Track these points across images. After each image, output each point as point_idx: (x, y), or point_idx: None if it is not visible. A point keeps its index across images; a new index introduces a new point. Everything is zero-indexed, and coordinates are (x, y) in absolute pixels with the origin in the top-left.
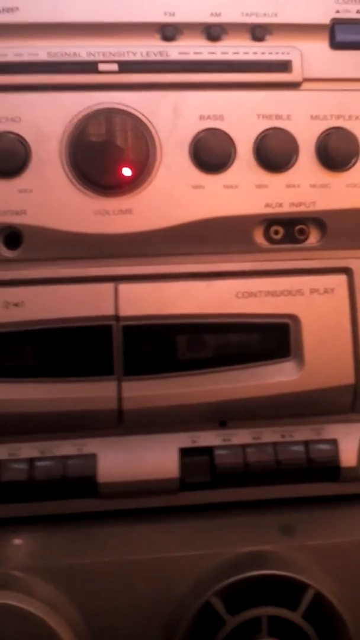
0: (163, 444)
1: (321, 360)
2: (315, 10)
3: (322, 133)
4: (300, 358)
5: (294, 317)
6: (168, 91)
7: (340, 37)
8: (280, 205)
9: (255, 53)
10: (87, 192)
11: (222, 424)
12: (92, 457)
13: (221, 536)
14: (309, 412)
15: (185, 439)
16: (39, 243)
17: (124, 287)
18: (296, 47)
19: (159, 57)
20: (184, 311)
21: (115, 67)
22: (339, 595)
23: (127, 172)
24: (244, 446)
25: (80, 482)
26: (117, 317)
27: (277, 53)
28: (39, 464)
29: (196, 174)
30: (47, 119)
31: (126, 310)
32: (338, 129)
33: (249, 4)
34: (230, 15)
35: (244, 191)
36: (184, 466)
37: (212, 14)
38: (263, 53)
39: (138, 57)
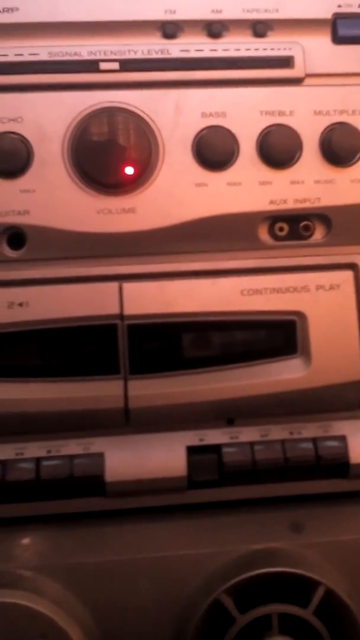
0: (170, 443)
1: (328, 357)
2: (317, 5)
3: (325, 128)
4: (307, 355)
5: (300, 314)
6: (170, 89)
7: (342, 31)
8: (285, 201)
9: (256, 49)
10: (90, 192)
11: (230, 422)
12: (99, 456)
13: (230, 534)
14: (316, 409)
15: (193, 437)
16: (43, 243)
17: (128, 286)
18: (298, 42)
19: (160, 55)
20: (188, 309)
21: (116, 65)
22: (350, 592)
23: (129, 170)
24: (251, 444)
25: (88, 481)
26: (122, 316)
27: (279, 49)
28: (45, 463)
29: (199, 172)
30: (48, 119)
31: (131, 309)
32: (342, 124)
33: (250, 0)
34: (231, 11)
35: (248, 188)
36: (191, 464)
37: (212, 11)
38: (265, 49)
39: (139, 56)
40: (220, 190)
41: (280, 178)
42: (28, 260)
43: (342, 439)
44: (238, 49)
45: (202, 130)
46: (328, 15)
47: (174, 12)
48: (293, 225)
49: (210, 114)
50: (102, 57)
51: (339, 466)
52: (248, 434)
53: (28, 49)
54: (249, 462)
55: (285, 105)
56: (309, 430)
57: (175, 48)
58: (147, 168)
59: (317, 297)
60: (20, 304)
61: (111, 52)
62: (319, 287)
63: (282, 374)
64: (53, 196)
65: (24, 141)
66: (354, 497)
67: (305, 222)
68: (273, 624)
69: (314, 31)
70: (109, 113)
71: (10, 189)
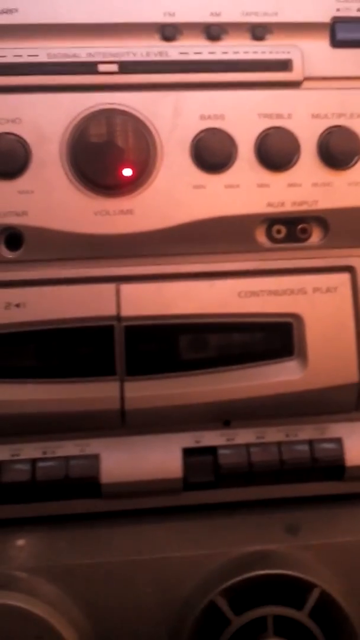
0: (166, 444)
1: (325, 359)
2: (316, 9)
3: (323, 132)
4: (303, 357)
5: (297, 316)
6: (168, 91)
7: (341, 35)
8: (282, 204)
9: (255, 52)
10: (88, 193)
11: (226, 424)
12: (95, 457)
13: (225, 536)
14: (313, 411)
15: (189, 439)
16: (40, 244)
17: (125, 288)
18: (297, 45)
19: (159, 58)
20: (186, 311)
21: (115, 67)
22: (345, 595)
23: (127, 172)
24: (247, 446)
25: (83, 483)
26: (119, 318)
27: (277, 52)
28: (41, 464)
29: (197, 174)
30: (47, 120)
31: (128, 310)
32: (339, 127)
33: (249, 4)
34: (230, 14)
35: (246, 191)
36: (187, 466)
37: (212, 14)
38: (263, 52)
39: (138, 58)
40: (218, 192)
41: (278, 181)
42: (25, 261)
43: (338, 441)
44: (237, 52)
45: (200, 132)
46: (327, 19)
47: (173, 14)
48: (290, 227)
49: (209, 117)
50: (101, 59)
51: (335, 468)
52: (244, 435)
53: (27, 50)
54: (244, 464)
55: (283, 108)
56: (305, 432)
57: (174, 50)
58: (145, 170)
59: (314, 299)
60: (18, 305)
61: (110, 54)
62: (315, 290)
63: (279, 376)
64: (51, 197)
65: (22, 142)
66: (350, 499)
67: (302, 225)
68: (268, 626)
69: (312, 35)
70: (108, 115)
71: (8, 189)
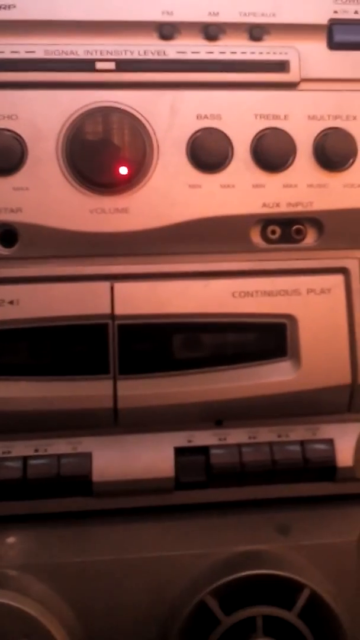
0: (158, 443)
1: (318, 360)
2: (313, 11)
3: (319, 133)
4: (296, 358)
5: (290, 317)
6: (165, 90)
7: (338, 37)
8: (278, 205)
9: (253, 53)
10: (84, 191)
11: (218, 424)
12: (87, 455)
13: (216, 536)
14: (305, 412)
15: (181, 438)
16: (35, 241)
17: (120, 286)
18: (294, 47)
19: (156, 56)
20: (180, 310)
21: (112, 65)
22: (335, 595)
23: (123, 170)
24: (239, 446)
25: (75, 481)
26: (113, 316)
27: (274, 53)
28: (32, 462)
29: (193, 173)
30: (43, 117)
31: (122, 309)
32: (335, 129)
33: (247, 4)
34: (228, 14)
35: (241, 191)
36: (179, 465)
37: (210, 14)
38: (261, 53)
39: (135, 56)
40: (214, 192)
41: (274, 181)
42: (20, 258)
43: (330, 442)
44: (234, 52)
45: (196, 132)
46: (324, 20)
47: (171, 13)
48: (285, 228)
49: (205, 116)
50: (99, 56)
51: (326, 469)
52: (236, 435)
53: (24, 47)
54: (236, 464)
55: (280, 109)
56: (297, 432)
57: (172, 49)
58: (141, 168)
59: (307, 300)
60: (11, 302)
61: (107, 51)
62: (310, 291)
63: (272, 377)
64: (46, 194)
65: (18, 139)
66: (341, 500)
67: (297, 226)
68: (258, 626)
69: (310, 36)
70: (104, 113)
71: (3, 186)
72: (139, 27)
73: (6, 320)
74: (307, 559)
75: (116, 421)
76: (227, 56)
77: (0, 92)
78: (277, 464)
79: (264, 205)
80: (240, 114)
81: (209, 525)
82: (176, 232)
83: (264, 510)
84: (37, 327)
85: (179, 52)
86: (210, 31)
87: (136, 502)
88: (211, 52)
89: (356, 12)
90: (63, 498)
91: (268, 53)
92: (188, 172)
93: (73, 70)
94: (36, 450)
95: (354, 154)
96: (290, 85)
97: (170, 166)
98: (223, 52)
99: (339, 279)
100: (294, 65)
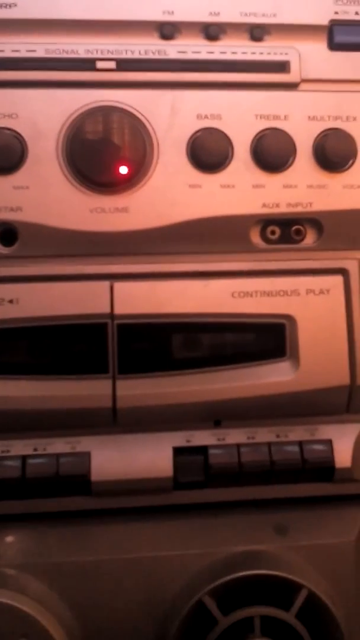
0: (157, 443)
1: (316, 361)
2: (314, 11)
3: (319, 134)
4: (295, 358)
5: (289, 318)
6: (166, 90)
7: (338, 38)
8: (277, 205)
9: (253, 53)
10: (84, 190)
11: (217, 424)
12: (86, 455)
13: (214, 536)
14: (303, 413)
15: (180, 438)
16: (35, 240)
17: (119, 285)
18: (294, 47)
19: (157, 56)
20: (179, 310)
21: (113, 65)
22: (332, 596)
23: (123, 170)
24: (238, 446)
25: (73, 480)
26: (112, 315)
27: (275, 53)
28: (31, 461)
29: (193, 173)
30: (44, 116)
31: (121, 308)
32: (335, 130)
33: (248, 4)
34: (229, 15)
35: (241, 191)
36: (177, 465)
37: (211, 14)
38: (261, 53)
39: (136, 56)
40: (214, 192)
41: (274, 182)
42: (19, 257)
43: (328, 442)
44: (235, 52)
45: (197, 131)
46: (325, 21)
47: (172, 13)
48: (285, 229)
49: (206, 116)
50: (99, 55)
51: (324, 470)
52: (235, 435)
53: (25, 46)
54: (235, 464)
55: (280, 109)
56: (296, 433)
57: (173, 49)
58: (141, 168)
59: (307, 301)
60: (11, 301)
61: (108, 51)
62: (309, 291)
63: (271, 377)
64: (46, 193)
65: (18, 137)
66: (339, 501)
67: (297, 227)
68: (255, 626)
69: (310, 37)
70: (105, 112)
71: (3, 185)
72: (140, 26)
73: (6, 319)
74: (305, 560)
75: (115, 421)
76: (228, 56)
77: (1, 91)
78: (275, 464)
79: (264, 205)
80: (240, 114)
81: (207, 525)
82: (176, 232)
83: (262, 510)
84: (36, 326)
85: (179, 52)
86: (211, 31)
87: (135, 502)
88: (212, 52)
89: (357, 13)
90: (62, 497)
91: (269, 53)
92: (188, 172)
93: (73, 70)
94: (35, 450)
95: (354, 155)
96: (291, 86)
97: (170, 166)
98: (224, 52)
99: (338, 279)
100: (294, 66)
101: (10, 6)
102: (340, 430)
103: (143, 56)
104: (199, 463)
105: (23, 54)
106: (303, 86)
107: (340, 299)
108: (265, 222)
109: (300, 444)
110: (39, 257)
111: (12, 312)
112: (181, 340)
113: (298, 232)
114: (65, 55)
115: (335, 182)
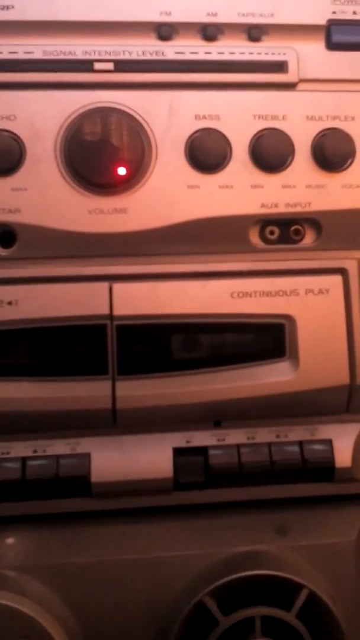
0: (157, 444)
1: (316, 361)
2: (312, 11)
3: (317, 134)
4: (295, 358)
5: (289, 318)
6: (164, 91)
7: (336, 38)
8: (276, 205)
9: (251, 53)
10: (82, 191)
11: (217, 424)
12: (86, 456)
13: (215, 536)
14: (303, 413)
15: (180, 439)
16: (34, 241)
17: (118, 287)
18: (292, 47)
19: (154, 57)
20: (178, 311)
21: (110, 66)
22: (333, 596)
23: (122, 171)
24: (238, 446)
25: (74, 482)
26: (111, 317)
27: (273, 53)
28: (31, 463)
29: (191, 174)
30: (42, 118)
31: (120, 309)
32: (334, 129)
33: (246, 4)
34: (226, 15)
35: (240, 191)
36: (177, 466)
37: (208, 14)
38: (259, 53)
39: (134, 57)
40: (212, 192)
41: (272, 182)
42: (18, 259)
43: (328, 442)
44: (233, 53)
45: (195, 132)
46: (322, 21)
47: (170, 14)
48: (284, 229)
49: (204, 117)
50: (97, 57)
51: (325, 470)
52: (235, 436)
53: (23, 47)
54: (235, 464)
55: (278, 109)
56: (296, 433)
57: (170, 50)
58: (139, 169)
59: (306, 301)
60: (10, 303)
61: (106, 52)
62: (308, 291)
63: (270, 377)
64: (45, 195)
65: (16, 139)
66: (339, 500)
67: (295, 227)
68: (256, 627)
69: (308, 37)
70: (103, 113)
71: (2, 186)
72: (138, 27)
73: (5, 320)
74: (306, 560)
75: (115, 422)
76: (226, 57)
77: None
78: (275, 464)
79: (263, 205)
80: (238, 115)
81: (207, 525)
82: (175, 232)
83: (262, 510)
84: (35, 328)
85: (177, 53)
86: (209, 32)
87: (135, 503)
88: (209, 53)
89: (354, 13)
90: (62, 499)
91: (266, 53)
92: (186, 172)
93: (71, 71)
94: (35, 451)
95: (352, 155)
96: (289, 86)
97: (169, 167)
98: (221, 53)
99: (337, 279)
100: (292, 66)
101: (7, 8)
102: (340, 430)
103: (141, 57)
104: (199, 464)
105: (21, 55)
106: (301, 86)
107: (340, 298)
108: (264, 222)
109: (300, 444)
110: (38, 259)
111: (11, 314)
112: (180, 341)
113: (297, 232)
114: (62, 57)
115: (334, 182)
